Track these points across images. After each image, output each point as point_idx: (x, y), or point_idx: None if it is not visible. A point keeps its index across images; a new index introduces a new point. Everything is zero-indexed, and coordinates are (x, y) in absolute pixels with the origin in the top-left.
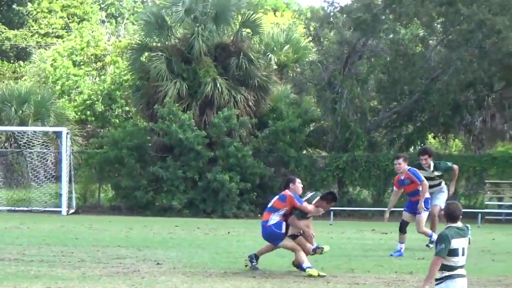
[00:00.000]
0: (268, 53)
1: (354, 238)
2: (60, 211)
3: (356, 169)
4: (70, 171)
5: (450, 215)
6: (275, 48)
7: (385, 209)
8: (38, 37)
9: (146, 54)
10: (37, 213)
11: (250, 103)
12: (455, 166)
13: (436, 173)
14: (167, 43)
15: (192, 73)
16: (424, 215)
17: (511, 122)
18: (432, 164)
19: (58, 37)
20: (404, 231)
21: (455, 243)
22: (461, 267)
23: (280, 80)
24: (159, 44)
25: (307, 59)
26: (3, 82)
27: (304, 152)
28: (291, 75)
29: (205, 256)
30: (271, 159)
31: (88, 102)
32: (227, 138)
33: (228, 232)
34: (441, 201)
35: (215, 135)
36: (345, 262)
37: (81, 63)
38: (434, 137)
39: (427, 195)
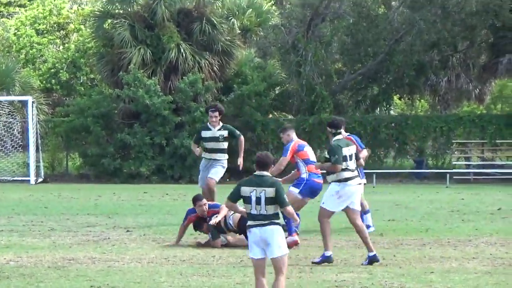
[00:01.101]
0: (231, 17)
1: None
2: (29, 180)
3: (323, 132)
4: (37, 140)
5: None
6: (237, 12)
7: None
8: (0, 6)
9: (109, 21)
10: (5, 183)
11: (215, 68)
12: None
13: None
14: (129, 9)
15: (155, 39)
16: None
17: (476, 82)
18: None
19: (20, 6)
20: None
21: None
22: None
23: (244, 45)
24: (121, 11)
25: (270, 23)
26: None
27: (271, 116)
28: (255, 39)
29: (174, 222)
30: (238, 123)
31: (52, 70)
32: (193, 103)
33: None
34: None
35: (181, 100)
36: (314, 225)
37: (44, 31)
38: (399, 98)
39: None
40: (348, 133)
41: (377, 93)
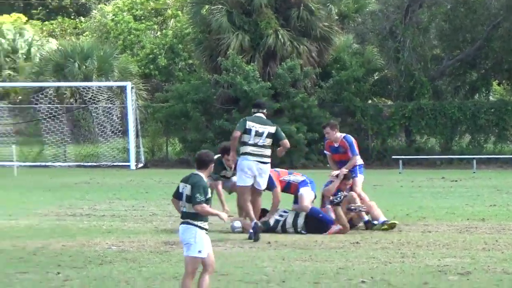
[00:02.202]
0: (329, 3)
1: (424, 186)
2: (129, 166)
3: (422, 118)
4: (136, 125)
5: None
6: None
7: (454, 156)
8: None
9: (207, 7)
10: (106, 168)
11: (313, 54)
12: None
13: None
14: None
15: (253, 25)
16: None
17: None
18: None
19: None
20: None
21: None
22: None
23: (341, 31)
24: None
25: (367, 9)
26: (65, 38)
27: (370, 101)
28: (353, 25)
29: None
30: (337, 109)
31: (151, 56)
32: (292, 89)
33: None
34: None
35: (280, 86)
36: (416, 210)
37: (142, 17)
38: (498, 84)
39: None
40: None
41: (476, 79)
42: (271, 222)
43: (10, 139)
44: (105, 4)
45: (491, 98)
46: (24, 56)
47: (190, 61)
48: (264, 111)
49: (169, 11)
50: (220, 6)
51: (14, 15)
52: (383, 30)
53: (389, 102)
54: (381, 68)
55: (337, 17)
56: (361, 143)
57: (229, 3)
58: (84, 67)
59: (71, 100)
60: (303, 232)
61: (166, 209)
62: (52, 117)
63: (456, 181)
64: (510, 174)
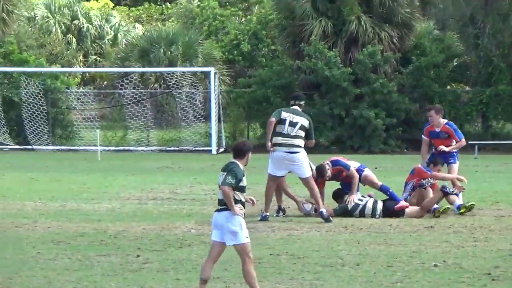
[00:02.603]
0: None
1: (499, 172)
2: (210, 150)
3: (500, 103)
4: (219, 110)
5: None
6: None
7: None
8: None
9: None
10: (188, 153)
11: (394, 40)
12: None
13: None
14: None
15: (336, 12)
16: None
17: None
18: None
19: None
20: None
21: None
22: None
23: (423, 17)
24: None
25: None
26: (151, 24)
27: (448, 87)
28: (434, 11)
29: None
30: (416, 94)
31: (234, 42)
32: (373, 75)
33: (376, 168)
34: None
35: (361, 72)
36: (490, 195)
37: (227, 3)
38: None
39: None
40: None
41: None
42: (349, 206)
43: (95, 124)
44: None
45: None
46: (111, 42)
47: (273, 47)
48: (302, 102)
49: None
50: None
51: (102, 1)
52: (463, 17)
53: (467, 88)
54: (460, 54)
55: (418, 3)
56: None
57: None
58: (169, 52)
59: (155, 85)
60: (379, 217)
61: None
62: (136, 102)
63: None
64: None
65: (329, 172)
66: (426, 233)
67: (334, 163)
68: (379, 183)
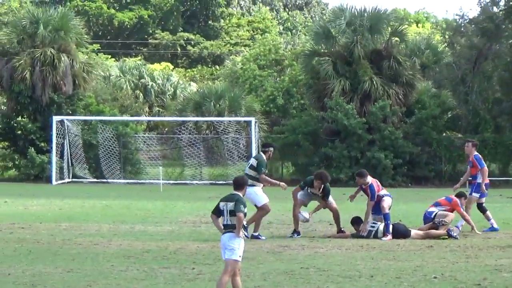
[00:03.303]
0: (413, 56)
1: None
2: None
3: (485, 147)
4: (258, 152)
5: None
6: (418, 52)
7: (510, 178)
8: (230, 46)
9: (316, 58)
10: (231, 185)
11: (400, 96)
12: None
13: None
14: (332, 49)
15: (353, 73)
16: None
17: None
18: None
19: (245, 45)
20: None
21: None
22: None
23: (422, 78)
24: (325, 51)
25: (443, 61)
26: (203, 82)
27: (444, 134)
28: (432, 74)
29: None
30: (418, 140)
31: (271, 97)
32: (383, 124)
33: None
34: None
35: (373, 121)
36: (477, 221)
37: (264, 66)
38: None
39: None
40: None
41: None
42: (364, 234)
43: (158, 162)
44: (236, 56)
45: None
46: (170, 96)
47: (302, 101)
48: (265, 149)
49: (286, 62)
50: (327, 58)
51: (163, 64)
52: (455, 78)
53: (459, 135)
54: (453, 107)
55: (419, 67)
56: (436, 167)
57: (334, 55)
58: (218, 105)
59: (207, 131)
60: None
61: (281, 219)
62: (191, 145)
63: (511, 197)
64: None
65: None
66: (427, 251)
67: (370, 186)
68: (386, 211)
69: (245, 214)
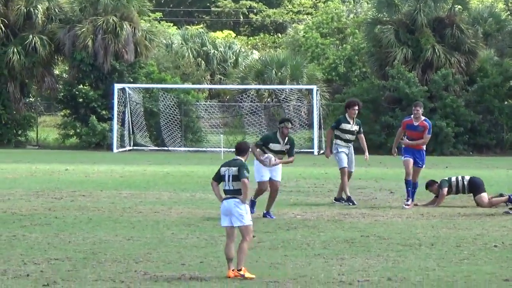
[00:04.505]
0: (475, 24)
1: None
2: (312, 152)
3: None
4: (319, 120)
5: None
6: (480, 20)
7: None
8: (292, 14)
9: (378, 27)
10: (297, 153)
11: (462, 65)
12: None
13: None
14: (394, 17)
15: (415, 42)
16: None
17: None
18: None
19: (308, 14)
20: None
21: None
22: None
23: (485, 46)
24: (388, 19)
25: (507, 29)
26: (265, 50)
27: (506, 102)
28: (494, 42)
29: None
30: (479, 108)
31: (333, 65)
32: (444, 92)
33: (446, 167)
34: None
35: (435, 90)
36: None
37: (327, 34)
38: None
39: None
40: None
41: None
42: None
43: (219, 130)
44: (298, 24)
45: None
46: (232, 64)
47: (364, 70)
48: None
49: (348, 30)
50: (389, 26)
51: (225, 32)
52: None
53: None
54: None
55: (482, 35)
56: (497, 135)
57: (396, 23)
58: (280, 73)
59: (268, 99)
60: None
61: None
62: (253, 113)
63: None
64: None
65: None
66: (488, 220)
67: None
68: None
69: (247, 177)
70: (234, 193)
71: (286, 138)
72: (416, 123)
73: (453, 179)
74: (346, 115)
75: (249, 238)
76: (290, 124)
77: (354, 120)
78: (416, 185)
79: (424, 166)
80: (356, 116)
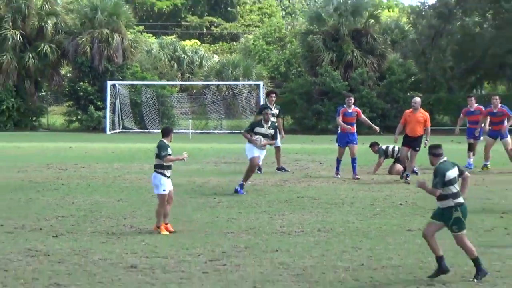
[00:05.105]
0: (385, 34)
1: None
2: None
3: (440, 104)
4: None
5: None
6: (388, 31)
7: (460, 127)
8: (244, 27)
9: (310, 36)
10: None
11: (375, 65)
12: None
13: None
14: (322, 29)
15: (338, 48)
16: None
17: None
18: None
19: (256, 26)
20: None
21: None
22: None
23: (392, 51)
24: (317, 30)
25: (409, 38)
26: (223, 55)
27: (408, 94)
28: (399, 47)
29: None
30: (388, 98)
31: (275, 66)
32: (361, 86)
33: (363, 143)
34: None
35: (354, 84)
36: None
37: (270, 42)
38: (487, 83)
39: None
40: (501, 105)
41: (474, 81)
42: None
43: (188, 116)
44: (249, 34)
45: (483, 92)
46: (198, 66)
47: (299, 69)
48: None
49: (287, 39)
50: (319, 36)
51: (193, 41)
52: (418, 51)
53: (420, 94)
54: (416, 73)
55: (390, 42)
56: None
57: (324, 33)
58: (235, 72)
59: (226, 92)
60: None
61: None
62: (214, 103)
63: (459, 142)
64: None
65: None
66: (395, 184)
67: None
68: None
69: (166, 155)
70: (155, 168)
71: (269, 122)
72: (350, 110)
73: (389, 148)
74: (267, 102)
75: (162, 205)
76: (270, 110)
77: (273, 105)
78: (339, 161)
79: (356, 144)
80: (275, 102)
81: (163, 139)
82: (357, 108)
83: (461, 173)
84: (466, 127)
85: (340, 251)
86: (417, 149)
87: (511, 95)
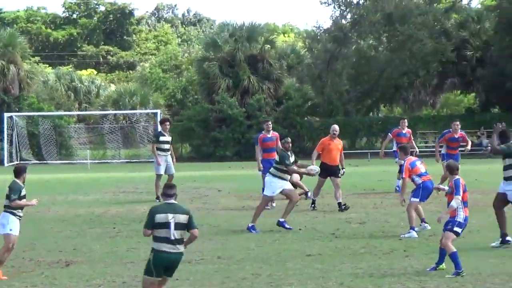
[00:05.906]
0: (281, 59)
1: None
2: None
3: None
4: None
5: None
6: (285, 56)
7: (356, 151)
8: (140, 55)
9: (206, 63)
10: (145, 163)
11: (271, 91)
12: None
13: None
14: (218, 55)
15: (235, 74)
16: None
17: (431, 95)
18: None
19: (152, 54)
20: None
21: None
22: None
23: (288, 75)
24: (213, 56)
25: (304, 62)
26: (120, 83)
27: (306, 118)
28: (295, 72)
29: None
30: (285, 123)
31: (172, 93)
32: (258, 112)
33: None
34: None
35: (251, 110)
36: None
37: (167, 70)
38: (384, 106)
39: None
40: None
41: (370, 104)
42: None
43: (86, 146)
44: (145, 62)
45: (379, 115)
46: (95, 95)
47: (196, 96)
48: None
49: (183, 66)
50: (215, 62)
51: (89, 70)
52: (314, 75)
53: (317, 119)
54: (312, 98)
55: (286, 67)
56: (300, 144)
57: (220, 60)
58: (132, 101)
59: (123, 121)
60: None
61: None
62: (111, 132)
63: (357, 166)
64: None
65: None
66: (294, 209)
67: None
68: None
69: (20, 198)
70: (5, 208)
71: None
72: (269, 135)
73: None
74: (161, 129)
75: (7, 248)
76: (289, 139)
77: (168, 133)
78: None
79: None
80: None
81: (16, 180)
82: (276, 133)
83: None
84: (392, 150)
85: (240, 278)
86: (339, 175)
87: (407, 117)
